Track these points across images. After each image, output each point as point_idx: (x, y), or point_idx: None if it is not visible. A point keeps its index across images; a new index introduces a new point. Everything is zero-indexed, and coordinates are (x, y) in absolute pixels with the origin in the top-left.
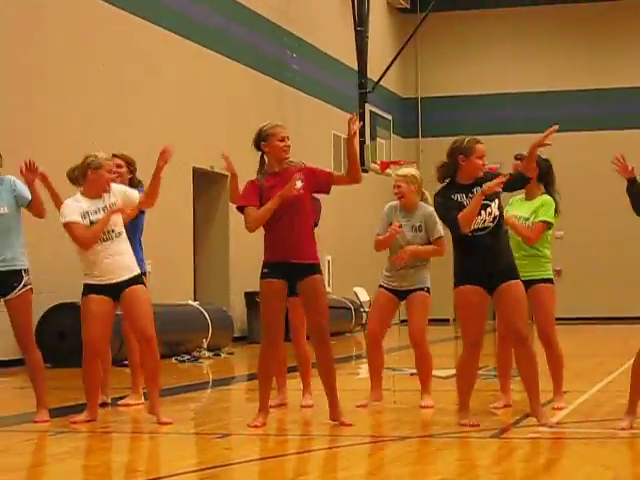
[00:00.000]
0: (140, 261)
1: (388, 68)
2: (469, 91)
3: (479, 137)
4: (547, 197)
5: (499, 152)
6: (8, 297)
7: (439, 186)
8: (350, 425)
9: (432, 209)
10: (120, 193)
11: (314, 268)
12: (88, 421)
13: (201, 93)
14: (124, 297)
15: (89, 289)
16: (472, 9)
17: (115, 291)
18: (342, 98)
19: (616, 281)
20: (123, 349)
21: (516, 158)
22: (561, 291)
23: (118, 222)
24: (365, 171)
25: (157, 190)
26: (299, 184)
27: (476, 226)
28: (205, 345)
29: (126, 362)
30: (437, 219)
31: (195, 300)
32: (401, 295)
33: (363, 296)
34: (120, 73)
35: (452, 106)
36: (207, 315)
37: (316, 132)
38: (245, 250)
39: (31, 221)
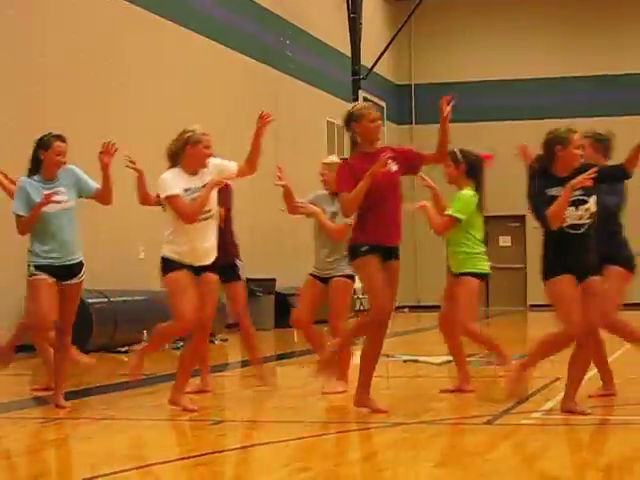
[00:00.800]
0: None
1: (382, 55)
2: (463, 78)
3: (469, 124)
4: (465, 192)
5: (493, 139)
6: (66, 282)
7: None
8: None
9: None
10: (216, 167)
11: (398, 252)
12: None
13: (195, 80)
14: (199, 280)
15: (176, 265)
16: None
17: (196, 271)
18: (336, 85)
19: None
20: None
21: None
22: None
23: (213, 201)
24: None
25: (257, 156)
26: (393, 167)
27: (571, 222)
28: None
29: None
30: None
31: None
32: (325, 282)
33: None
34: (117, 63)
35: (446, 93)
36: None
37: (310, 119)
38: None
39: None
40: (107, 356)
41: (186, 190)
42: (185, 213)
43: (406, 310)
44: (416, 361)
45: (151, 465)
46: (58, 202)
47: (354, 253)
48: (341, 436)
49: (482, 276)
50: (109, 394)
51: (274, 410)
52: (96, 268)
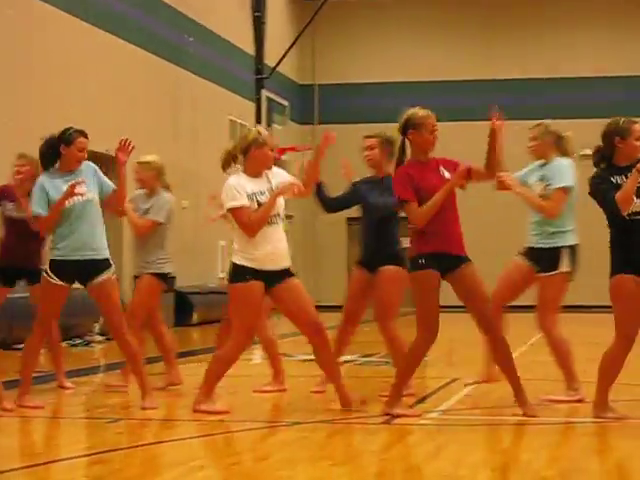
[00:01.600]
0: None
1: (285, 54)
2: (366, 78)
3: (372, 125)
4: None
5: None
6: (91, 283)
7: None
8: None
9: (167, 198)
10: (279, 174)
11: (465, 259)
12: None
13: (95, 75)
14: (282, 288)
15: (248, 272)
16: None
17: (269, 277)
18: (239, 83)
19: None
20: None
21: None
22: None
23: (282, 205)
24: None
25: (313, 180)
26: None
27: (635, 209)
28: (96, 329)
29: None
30: (167, 207)
31: None
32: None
33: None
34: (10, 55)
35: (349, 93)
36: None
37: (212, 117)
38: None
39: None
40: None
41: (253, 194)
42: (247, 226)
43: None
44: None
45: (46, 464)
46: (81, 194)
47: (414, 266)
48: (238, 435)
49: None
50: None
51: (171, 408)
52: None
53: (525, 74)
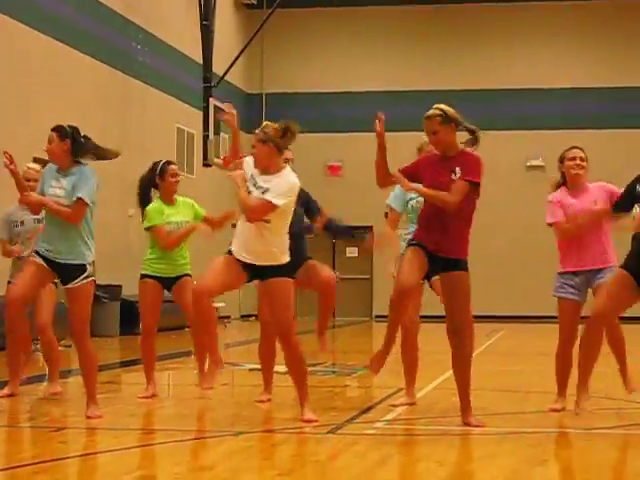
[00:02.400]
0: None
1: (233, 63)
2: (313, 88)
3: (320, 135)
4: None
5: (342, 150)
6: (67, 286)
7: None
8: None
9: None
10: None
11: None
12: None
13: (42, 82)
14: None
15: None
16: (318, 6)
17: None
18: (187, 91)
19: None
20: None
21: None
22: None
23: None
24: (208, 165)
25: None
26: None
27: None
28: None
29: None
30: None
31: None
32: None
33: None
34: None
35: (296, 103)
36: None
37: (160, 125)
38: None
39: None
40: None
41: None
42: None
43: (252, 319)
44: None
45: None
46: None
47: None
48: (184, 444)
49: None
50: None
51: (117, 417)
52: None
53: (478, 85)
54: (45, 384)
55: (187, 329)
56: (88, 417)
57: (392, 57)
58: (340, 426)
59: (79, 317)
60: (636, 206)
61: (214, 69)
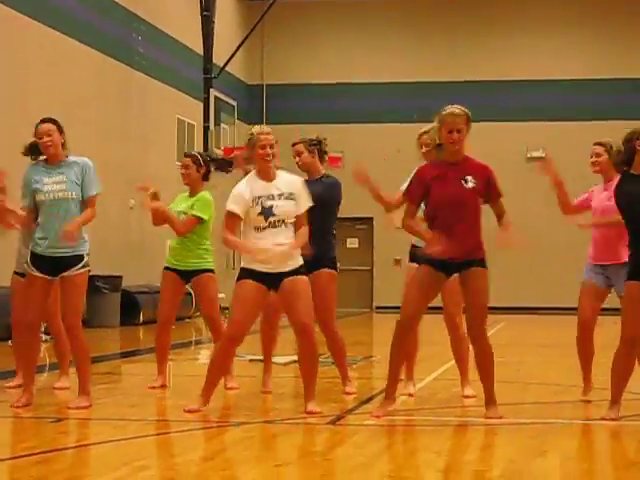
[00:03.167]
0: None
1: (234, 54)
2: (314, 79)
3: (320, 126)
4: (204, 194)
5: (343, 141)
6: (64, 274)
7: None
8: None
9: None
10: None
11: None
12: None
13: (41, 74)
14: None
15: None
16: None
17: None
18: (187, 83)
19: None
20: None
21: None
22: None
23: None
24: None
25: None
26: None
27: None
28: (42, 329)
29: None
30: None
31: None
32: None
33: None
34: None
35: (297, 94)
36: None
37: (160, 116)
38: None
39: None
40: None
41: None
42: None
43: None
44: (261, 361)
45: None
46: None
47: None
48: (183, 435)
49: None
50: None
51: (117, 408)
52: None
53: (478, 76)
54: (46, 375)
55: (188, 320)
56: (68, 407)
57: (392, 48)
58: (340, 417)
59: (72, 308)
60: None
61: (215, 60)
